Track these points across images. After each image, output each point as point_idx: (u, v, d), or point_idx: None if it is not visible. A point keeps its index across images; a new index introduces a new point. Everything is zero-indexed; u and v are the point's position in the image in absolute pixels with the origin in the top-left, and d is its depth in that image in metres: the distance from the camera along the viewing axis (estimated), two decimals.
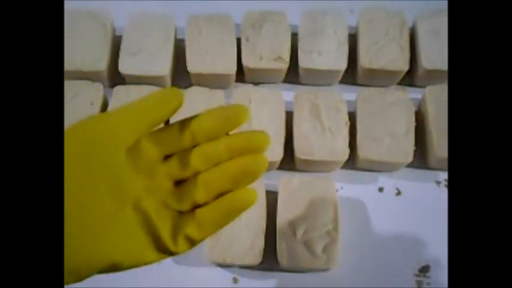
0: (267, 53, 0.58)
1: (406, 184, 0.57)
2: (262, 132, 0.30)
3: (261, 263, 0.50)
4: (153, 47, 0.58)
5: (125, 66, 0.58)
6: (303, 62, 0.58)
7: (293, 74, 0.61)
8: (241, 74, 0.61)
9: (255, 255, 0.49)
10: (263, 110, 0.56)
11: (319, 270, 0.51)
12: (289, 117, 0.56)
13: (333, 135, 0.55)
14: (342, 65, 0.58)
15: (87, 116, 0.29)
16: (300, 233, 0.50)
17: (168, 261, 0.53)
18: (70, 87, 0.56)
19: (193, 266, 0.52)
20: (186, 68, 0.58)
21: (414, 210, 0.56)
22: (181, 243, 0.29)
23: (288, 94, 0.59)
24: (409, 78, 0.61)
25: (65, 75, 0.57)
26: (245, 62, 0.58)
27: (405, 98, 0.57)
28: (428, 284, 0.52)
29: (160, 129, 0.30)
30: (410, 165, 0.56)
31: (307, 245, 0.49)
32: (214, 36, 0.59)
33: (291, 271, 0.52)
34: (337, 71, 0.59)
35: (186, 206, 0.30)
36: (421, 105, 0.59)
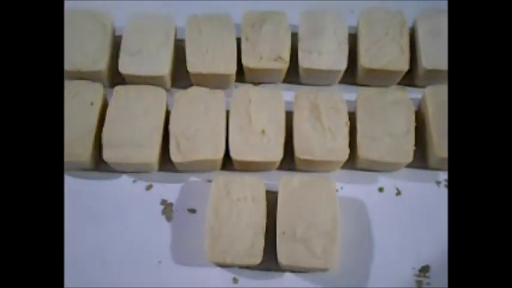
0: (267, 53, 0.58)
1: (406, 184, 0.57)
2: None
3: (261, 263, 0.50)
4: (153, 47, 0.58)
5: (125, 66, 0.58)
6: (303, 62, 0.58)
7: (293, 74, 0.61)
8: (241, 74, 0.61)
9: (255, 255, 0.49)
10: (263, 110, 0.56)
11: (318, 270, 0.51)
12: (289, 117, 0.56)
13: (333, 135, 0.55)
14: (342, 65, 0.58)
15: None
16: (299, 232, 0.50)
17: (168, 261, 0.53)
18: (70, 87, 0.56)
19: (193, 266, 0.52)
20: (186, 68, 0.58)
21: (414, 210, 0.56)
22: None
23: (288, 94, 0.59)
24: (409, 78, 0.61)
25: (65, 75, 0.57)
26: (245, 62, 0.58)
27: (405, 98, 0.57)
28: (428, 284, 0.52)
29: None
30: (410, 165, 0.56)
31: (307, 245, 0.49)
32: (214, 36, 0.59)
33: (291, 271, 0.52)
34: (337, 71, 0.59)
35: None
36: (421, 105, 0.59)
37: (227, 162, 0.56)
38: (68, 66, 0.57)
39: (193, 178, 0.57)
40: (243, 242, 0.50)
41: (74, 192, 0.55)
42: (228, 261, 0.49)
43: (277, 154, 0.54)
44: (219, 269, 0.52)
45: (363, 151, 0.54)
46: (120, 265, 0.52)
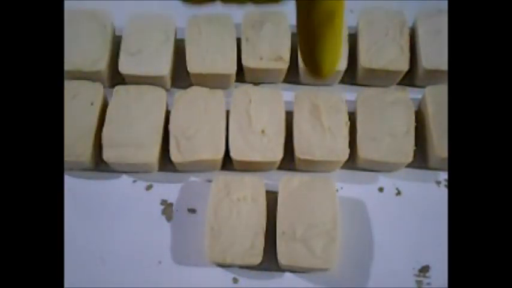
0: (267, 53, 0.58)
1: (406, 184, 0.57)
2: None
3: (261, 263, 0.50)
4: (153, 47, 0.58)
5: (125, 66, 0.58)
6: None
7: (293, 74, 0.61)
8: (241, 74, 0.61)
9: (255, 255, 0.49)
10: (263, 110, 0.56)
11: (318, 270, 0.51)
12: (289, 117, 0.56)
13: (333, 135, 0.55)
14: (342, 65, 0.58)
15: None
16: (299, 232, 0.50)
17: (168, 261, 0.53)
18: (70, 87, 0.56)
19: (193, 266, 0.52)
20: (186, 68, 0.58)
21: (414, 210, 0.56)
22: None
23: (288, 94, 0.59)
24: (409, 78, 0.61)
25: (65, 75, 0.57)
26: (245, 62, 0.58)
27: (405, 98, 0.57)
28: (428, 284, 0.52)
29: None
30: (410, 165, 0.56)
31: (307, 244, 0.49)
32: (214, 36, 0.59)
33: (291, 271, 0.52)
34: (338, 71, 0.59)
35: None
36: (421, 105, 0.59)
37: (227, 162, 0.56)
38: (68, 66, 0.57)
39: (193, 178, 0.57)
40: (243, 242, 0.50)
41: (74, 192, 0.55)
42: (228, 261, 0.49)
43: (277, 154, 0.54)
44: (219, 269, 0.52)
45: (363, 151, 0.54)
46: (120, 265, 0.52)
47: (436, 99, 0.56)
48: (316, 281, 0.52)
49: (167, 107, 0.57)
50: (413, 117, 0.56)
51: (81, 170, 0.56)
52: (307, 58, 0.25)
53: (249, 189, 0.52)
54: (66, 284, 0.48)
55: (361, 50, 0.59)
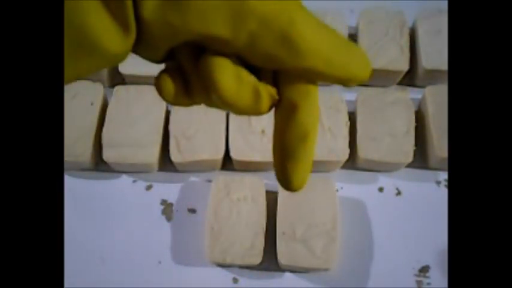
0: None
1: (406, 184, 0.57)
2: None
3: (261, 263, 0.50)
4: None
5: (125, 66, 0.58)
6: None
7: None
8: None
9: (255, 255, 0.49)
10: None
11: (319, 269, 0.51)
12: None
13: (333, 135, 0.55)
14: None
15: None
16: (299, 232, 0.50)
17: (168, 261, 0.53)
18: (70, 87, 0.56)
19: (193, 266, 0.52)
20: None
21: (414, 210, 0.55)
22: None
23: None
24: (409, 78, 0.61)
25: None
26: None
27: (405, 98, 0.57)
28: (428, 284, 0.52)
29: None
30: (410, 165, 0.56)
31: (307, 244, 0.49)
32: None
33: (291, 271, 0.52)
34: None
35: None
36: (421, 105, 0.59)
37: (227, 162, 0.56)
38: None
39: (193, 178, 0.57)
40: (243, 242, 0.50)
41: (74, 192, 0.55)
42: (228, 261, 0.49)
43: None
44: (219, 269, 0.52)
45: (363, 151, 0.54)
46: (120, 265, 0.52)
47: (436, 99, 0.56)
48: (316, 281, 0.52)
49: (167, 107, 0.57)
50: (413, 117, 0.56)
51: (81, 170, 0.56)
52: (279, 172, 0.26)
53: (249, 189, 0.52)
54: (66, 284, 0.48)
55: None
